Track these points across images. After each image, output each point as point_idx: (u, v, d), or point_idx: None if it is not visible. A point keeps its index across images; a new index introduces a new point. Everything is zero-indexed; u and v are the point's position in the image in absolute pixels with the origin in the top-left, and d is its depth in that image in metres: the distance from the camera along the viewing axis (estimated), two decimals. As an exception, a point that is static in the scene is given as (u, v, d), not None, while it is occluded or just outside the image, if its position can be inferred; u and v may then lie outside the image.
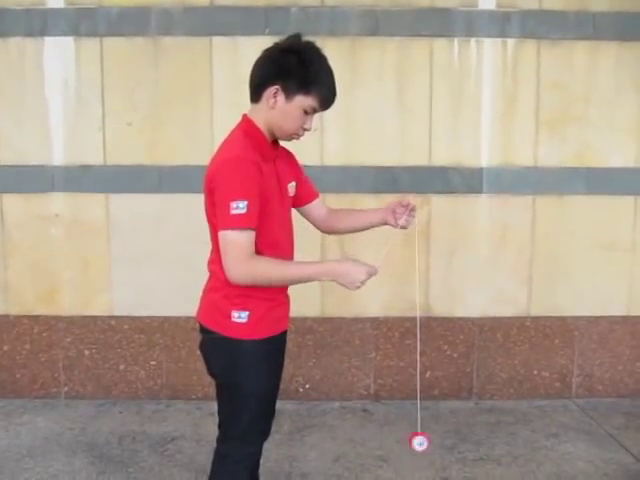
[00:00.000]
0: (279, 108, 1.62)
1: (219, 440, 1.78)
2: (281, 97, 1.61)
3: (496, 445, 2.86)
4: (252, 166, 1.56)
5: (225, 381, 1.71)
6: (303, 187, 1.88)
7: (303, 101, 1.62)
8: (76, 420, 3.08)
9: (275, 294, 1.72)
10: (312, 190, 1.94)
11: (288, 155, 1.82)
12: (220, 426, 1.77)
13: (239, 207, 1.52)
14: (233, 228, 1.54)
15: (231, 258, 1.56)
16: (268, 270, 1.58)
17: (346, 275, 1.58)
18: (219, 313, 1.68)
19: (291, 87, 1.60)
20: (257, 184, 1.56)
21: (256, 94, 1.66)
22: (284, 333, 1.82)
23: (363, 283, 1.59)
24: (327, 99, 1.65)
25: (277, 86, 1.60)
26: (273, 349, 1.75)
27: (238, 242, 1.55)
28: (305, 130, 1.68)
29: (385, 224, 1.88)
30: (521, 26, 3.19)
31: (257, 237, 1.60)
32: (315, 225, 1.98)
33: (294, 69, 1.59)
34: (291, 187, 1.78)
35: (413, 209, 1.82)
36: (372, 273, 1.58)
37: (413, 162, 3.24)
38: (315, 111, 1.66)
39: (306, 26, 3.12)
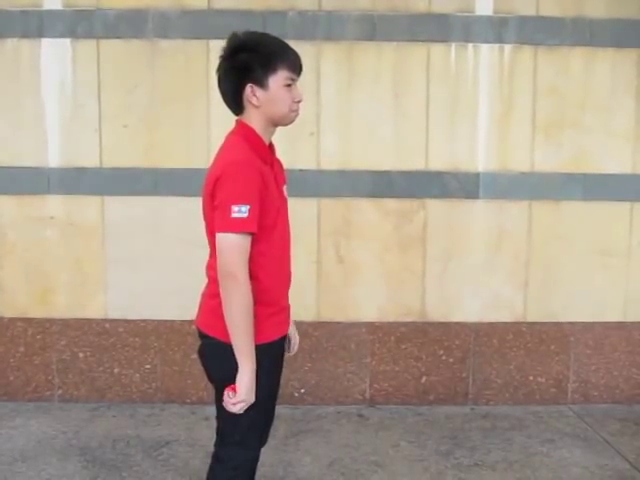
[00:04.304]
0: (263, 100, 1.64)
1: (217, 445, 1.76)
2: (259, 90, 1.63)
3: (491, 451, 2.85)
4: (255, 172, 1.58)
5: (224, 387, 1.69)
6: None
7: (278, 79, 1.64)
8: (69, 423, 3.06)
9: (276, 299, 1.72)
10: None
11: (278, 159, 1.83)
12: (218, 431, 1.75)
13: (241, 211, 1.54)
14: (232, 231, 1.55)
15: (225, 261, 1.56)
16: (237, 305, 1.56)
17: (244, 385, 1.57)
18: (218, 318, 1.64)
19: (260, 76, 1.62)
20: (259, 190, 1.58)
21: (238, 106, 1.68)
22: (283, 338, 1.81)
23: (242, 400, 1.57)
24: (294, 61, 1.67)
25: (249, 84, 1.63)
26: (272, 355, 1.73)
27: (235, 246, 1.56)
28: (297, 102, 1.69)
29: None
30: (518, 32, 3.20)
31: (263, 240, 1.61)
32: None
33: (251, 62, 1.62)
34: (285, 189, 1.79)
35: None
36: (247, 402, 1.58)
37: (410, 167, 3.24)
38: (294, 80, 1.68)
39: (303, 30, 3.14)
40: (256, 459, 1.78)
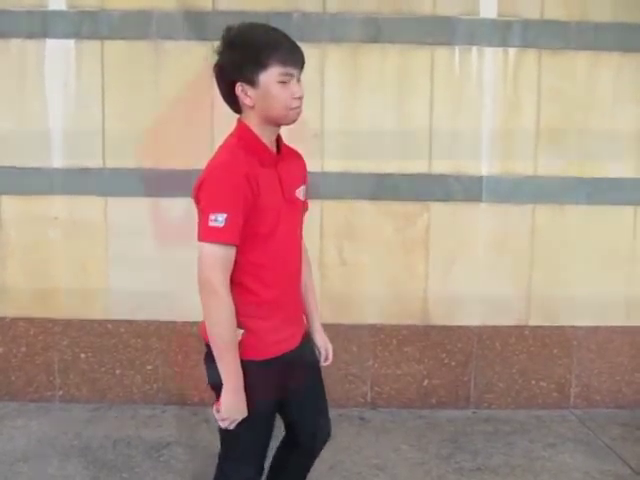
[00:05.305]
0: (256, 99, 1.54)
1: (220, 458, 1.72)
2: (249, 89, 1.54)
3: (493, 455, 2.84)
4: (240, 177, 1.48)
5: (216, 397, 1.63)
6: None
7: (269, 76, 1.52)
8: (71, 424, 3.06)
9: (275, 313, 1.63)
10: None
11: (297, 158, 1.75)
12: (222, 443, 1.70)
13: (217, 220, 1.46)
14: (208, 241, 1.48)
15: (201, 271, 1.50)
16: (215, 319, 1.51)
17: (226, 402, 1.53)
18: None
19: (249, 75, 1.53)
20: (243, 197, 1.49)
21: (234, 104, 1.61)
22: (291, 353, 1.69)
23: (225, 417, 1.54)
24: (288, 55, 1.54)
25: (239, 84, 1.54)
26: (273, 371, 1.62)
27: (210, 256, 1.49)
28: (298, 99, 1.56)
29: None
30: (522, 35, 3.18)
31: (257, 249, 1.55)
32: None
33: (239, 59, 1.53)
34: (300, 191, 1.70)
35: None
36: (231, 419, 1.54)
37: (413, 169, 3.23)
38: (291, 75, 1.54)
39: (308, 32, 3.13)
40: (259, 474, 1.72)
